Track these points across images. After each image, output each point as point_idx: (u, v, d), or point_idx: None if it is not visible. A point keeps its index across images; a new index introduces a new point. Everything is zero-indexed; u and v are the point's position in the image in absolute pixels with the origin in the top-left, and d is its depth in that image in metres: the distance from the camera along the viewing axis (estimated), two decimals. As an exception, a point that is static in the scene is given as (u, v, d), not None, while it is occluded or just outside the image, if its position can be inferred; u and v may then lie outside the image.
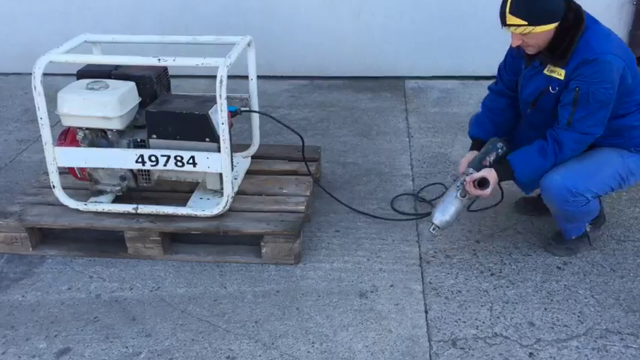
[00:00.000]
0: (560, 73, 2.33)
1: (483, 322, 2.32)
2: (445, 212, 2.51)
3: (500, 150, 2.53)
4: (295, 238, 2.62)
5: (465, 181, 2.48)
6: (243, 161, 3.11)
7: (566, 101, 2.33)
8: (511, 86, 2.64)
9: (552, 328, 2.29)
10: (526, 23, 2.23)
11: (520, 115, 2.64)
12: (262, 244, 2.63)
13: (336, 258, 2.70)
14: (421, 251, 2.73)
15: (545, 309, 2.37)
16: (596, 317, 2.33)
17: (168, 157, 2.61)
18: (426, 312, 2.37)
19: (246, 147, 3.16)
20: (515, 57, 2.57)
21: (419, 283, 2.53)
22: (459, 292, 2.48)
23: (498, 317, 2.34)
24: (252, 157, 3.16)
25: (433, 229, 2.53)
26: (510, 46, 2.59)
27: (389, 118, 4.13)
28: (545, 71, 2.39)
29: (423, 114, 4.17)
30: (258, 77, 4.69)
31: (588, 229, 2.69)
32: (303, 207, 2.76)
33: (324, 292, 2.49)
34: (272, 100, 4.41)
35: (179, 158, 2.61)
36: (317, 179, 3.26)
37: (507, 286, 2.50)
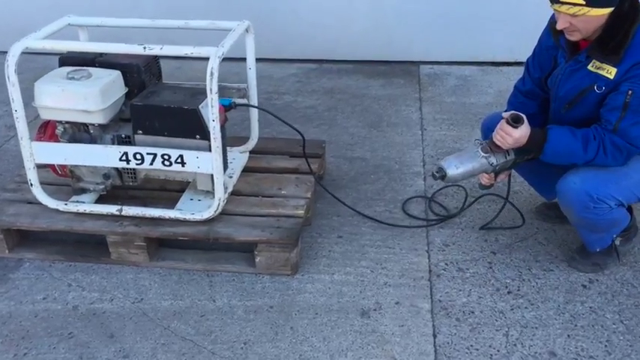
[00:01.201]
0: (609, 71, 2.05)
1: (498, 351, 2.08)
2: (460, 163, 2.22)
3: None
4: (292, 248, 2.38)
5: (489, 139, 2.22)
6: (240, 157, 2.86)
7: (614, 105, 2.05)
8: (542, 85, 2.35)
9: (576, 359, 2.04)
10: (583, 3, 1.96)
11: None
12: (256, 252, 2.40)
13: (337, 269, 2.46)
14: (431, 263, 2.49)
15: (569, 336, 2.13)
16: (625, 347, 2.08)
17: (155, 155, 2.37)
18: (435, 336, 2.14)
19: (245, 140, 2.92)
20: (549, 49, 2.26)
21: (427, 300, 2.29)
22: (472, 312, 2.24)
23: (515, 344, 2.10)
24: (251, 152, 2.91)
25: (437, 173, 2.24)
26: (542, 36, 2.31)
27: (401, 107, 3.85)
28: (590, 67, 2.10)
29: (438, 103, 3.89)
30: (265, 60, 4.43)
31: (617, 243, 2.42)
32: (303, 211, 2.52)
33: (322, 308, 2.26)
34: (278, 86, 4.14)
35: (166, 157, 2.37)
36: (320, 176, 3.01)
37: (526, 307, 2.25)
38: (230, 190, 2.62)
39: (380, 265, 2.48)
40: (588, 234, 2.35)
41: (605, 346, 2.08)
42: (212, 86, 2.20)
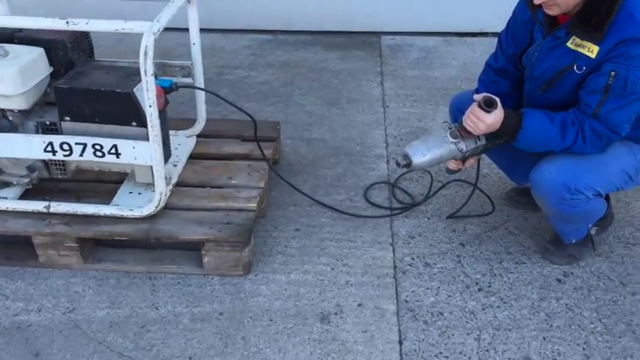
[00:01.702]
0: (591, 50, 1.85)
1: (469, 358, 1.90)
2: (426, 149, 2.01)
3: None
4: (244, 246, 2.15)
5: (459, 123, 2.01)
6: (187, 142, 2.59)
7: (595, 87, 1.86)
8: (516, 62, 2.14)
9: (553, 365, 1.89)
10: None
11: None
12: (203, 252, 2.16)
13: (294, 267, 2.24)
14: (396, 258, 2.29)
15: (544, 338, 1.97)
16: (604, 350, 1.93)
17: (85, 145, 2.09)
18: (401, 342, 1.95)
19: (193, 122, 2.65)
20: (525, 23, 2.05)
21: (392, 301, 2.10)
22: (441, 314, 2.06)
23: (488, 350, 1.93)
24: (198, 136, 2.64)
25: (402, 161, 2.04)
26: (516, 8, 2.10)
27: (362, 82, 3.61)
28: (569, 44, 1.90)
29: (401, 78, 3.66)
30: (215, 31, 4.11)
31: (593, 232, 2.28)
32: (255, 204, 2.28)
33: (277, 314, 2.05)
34: (230, 59, 3.84)
35: (98, 147, 2.09)
36: (276, 161, 2.78)
37: (498, 306, 2.08)
38: (175, 180, 2.36)
39: (341, 261, 2.27)
40: (563, 225, 2.18)
41: (584, 348, 1.93)
42: (147, 67, 1.92)
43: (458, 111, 2.37)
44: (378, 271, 2.23)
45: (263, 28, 4.20)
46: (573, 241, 2.23)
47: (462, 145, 2.02)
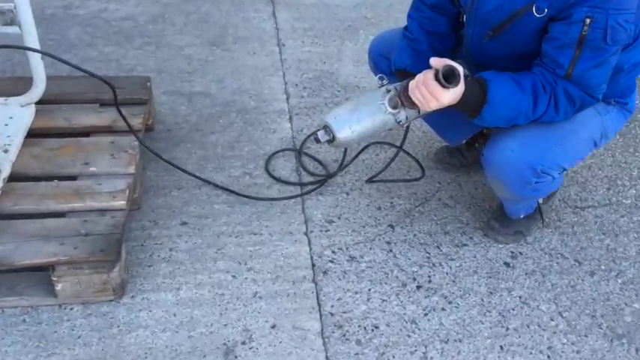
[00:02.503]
0: None
1: (418, 387, 1.52)
2: (356, 122, 1.51)
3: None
4: (112, 265, 1.58)
5: (402, 88, 1.51)
6: (22, 113, 1.92)
7: (565, 39, 1.42)
8: (454, -2, 1.66)
9: (517, 384, 1.55)
10: None
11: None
12: (55, 278, 1.57)
13: (184, 279, 1.72)
14: (313, 252, 1.83)
15: (501, 347, 1.62)
16: (572, 355, 1.61)
17: None
18: (331, 376, 1.53)
19: (29, 82, 1.96)
20: None
21: (315, 315, 1.65)
22: (376, 327, 1.64)
23: (438, 372, 1.56)
24: (39, 103, 1.97)
25: (324, 138, 1.54)
26: None
27: (249, 14, 2.99)
28: None
29: (296, 7, 3.07)
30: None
31: (541, 201, 1.93)
32: (124, 201, 1.70)
33: (165, 353, 1.54)
34: (79, -11, 3.06)
35: None
36: (149, 128, 2.17)
37: (443, 309, 1.70)
38: (7, 173, 1.72)
39: (244, 264, 1.77)
40: (514, 204, 1.81)
41: (548, 356, 1.60)
42: None
43: (380, 58, 1.90)
44: (293, 273, 1.76)
45: (121, -54, 3.39)
46: (522, 217, 1.87)
47: (402, 117, 1.54)
